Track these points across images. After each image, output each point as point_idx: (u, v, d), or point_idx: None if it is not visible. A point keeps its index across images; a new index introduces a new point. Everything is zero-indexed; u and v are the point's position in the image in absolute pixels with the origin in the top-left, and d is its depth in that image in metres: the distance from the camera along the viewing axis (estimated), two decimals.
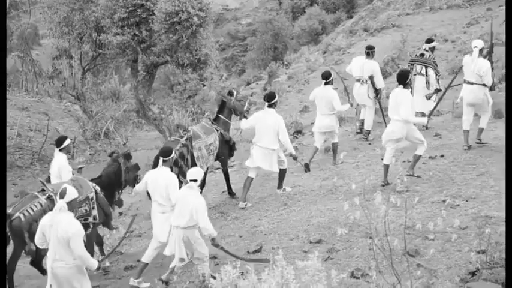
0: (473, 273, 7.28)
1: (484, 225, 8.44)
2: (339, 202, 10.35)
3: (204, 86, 28.12)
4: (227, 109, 12.14)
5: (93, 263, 7.89)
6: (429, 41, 13.88)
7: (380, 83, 13.90)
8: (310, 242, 9.31)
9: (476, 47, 11.74)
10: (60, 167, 10.36)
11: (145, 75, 18.17)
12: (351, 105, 13.48)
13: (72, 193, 7.72)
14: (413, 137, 10.72)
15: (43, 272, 9.17)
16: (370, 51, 13.97)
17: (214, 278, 7.20)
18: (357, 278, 7.96)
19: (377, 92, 13.81)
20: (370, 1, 35.60)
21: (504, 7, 23.03)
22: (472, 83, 11.72)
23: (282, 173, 11.72)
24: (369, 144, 13.76)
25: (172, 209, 8.90)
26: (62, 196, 7.64)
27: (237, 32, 46.38)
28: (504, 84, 13.34)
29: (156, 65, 17.97)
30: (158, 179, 9.31)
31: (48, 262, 7.73)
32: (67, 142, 10.55)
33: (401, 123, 10.55)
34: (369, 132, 14.16)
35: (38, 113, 21.54)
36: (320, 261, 6.49)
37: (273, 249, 9.01)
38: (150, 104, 18.90)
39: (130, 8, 16.74)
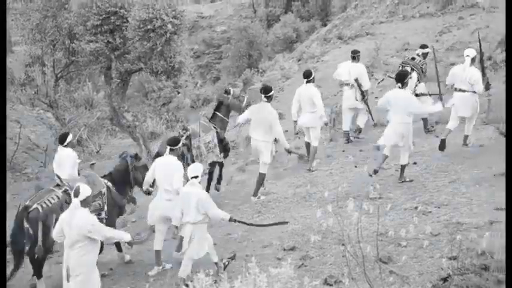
0: (444, 280, 7.35)
1: (456, 232, 8.54)
2: (313, 209, 10.38)
3: (179, 93, 28.02)
4: (224, 107, 12.32)
5: (124, 235, 8.53)
6: (423, 46, 14.11)
7: (366, 84, 14.12)
8: (284, 249, 9.32)
9: (468, 55, 12.05)
10: (61, 158, 10.63)
11: (119, 83, 18.07)
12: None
13: (85, 191, 7.99)
14: (407, 141, 11.02)
15: (40, 274, 9.34)
16: (355, 55, 14.23)
17: (187, 286, 7.17)
18: (330, 285, 7.98)
19: (363, 94, 13.96)
20: (344, 9, 35.85)
21: (475, 16, 23.42)
22: (463, 91, 11.99)
23: (261, 178, 11.75)
24: (343, 151, 13.82)
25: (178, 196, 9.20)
26: (76, 195, 7.93)
27: (212, 39, 46.32)
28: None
29: (130, 73, 17.88)
30: (165, 166, 9.63)
31: (64, 255, 8.05)
32: (70, 138, 10.86)
33: (402, 124, 10.87)
34: (360, 130, 14.41)
35: (9, 120, 21.23)
36: (293, 269, 6.50)
37: (246, 257, 8.98)
38: (124, 111, 18.80)
39: (104, 15, 16.64)
